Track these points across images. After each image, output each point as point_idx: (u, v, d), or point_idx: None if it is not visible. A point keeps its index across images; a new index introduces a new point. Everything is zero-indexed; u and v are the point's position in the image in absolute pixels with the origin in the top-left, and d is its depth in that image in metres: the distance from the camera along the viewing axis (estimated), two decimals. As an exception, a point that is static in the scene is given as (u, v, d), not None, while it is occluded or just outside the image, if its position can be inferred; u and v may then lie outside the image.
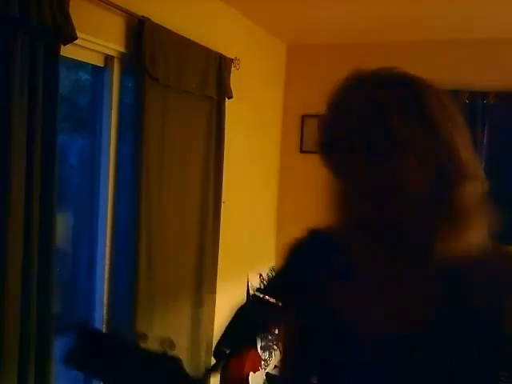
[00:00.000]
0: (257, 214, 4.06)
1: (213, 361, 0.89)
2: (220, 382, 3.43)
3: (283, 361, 1.10)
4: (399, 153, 0.82)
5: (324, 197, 0.94)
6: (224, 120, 3.24)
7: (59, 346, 2.14)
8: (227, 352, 0.87)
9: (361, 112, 0.84)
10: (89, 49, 2.41)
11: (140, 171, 2.58)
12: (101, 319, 2.63)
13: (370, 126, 0.82)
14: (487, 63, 3.65)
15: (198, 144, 3.07)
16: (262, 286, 0.91)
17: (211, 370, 0.85)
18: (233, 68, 3.32)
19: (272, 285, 0.93)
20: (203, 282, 3.19)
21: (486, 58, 3.65)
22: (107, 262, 2.65)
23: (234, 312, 0.89)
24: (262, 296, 0.88)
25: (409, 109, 0.83)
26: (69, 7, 2.01)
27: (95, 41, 2.39)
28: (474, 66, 3.66)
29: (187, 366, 0.83)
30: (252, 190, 3.95)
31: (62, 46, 2.06)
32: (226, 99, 3.25)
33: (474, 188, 0.86)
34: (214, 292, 3.30)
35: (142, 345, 0.86)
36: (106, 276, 2.65)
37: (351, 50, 4.03)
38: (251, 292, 3.86)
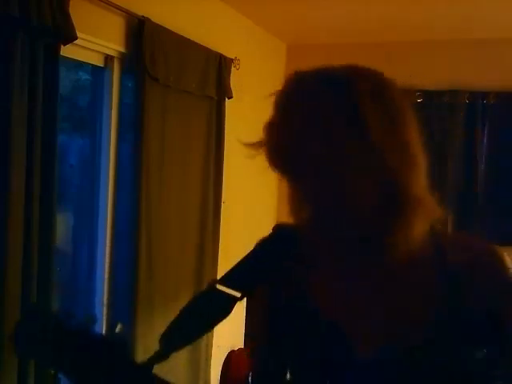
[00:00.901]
0: (257, 214, 4.06)
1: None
2: (220, 381, 3.43)
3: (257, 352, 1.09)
4: (336, 162, 0.83)
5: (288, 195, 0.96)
6: (224, 120, 3.24)
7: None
8: (175, 341, 0.86)
9: (296, 119, 0.86)
10: (89, 49, 2.41)
11: (140, 171, 2.58)
12: (101, 319, 2.63)
13: (304, 136, 0.84)
14: (487, 63, 3.65)
15: (197, 144, 3.07)
16: (222, 275, 0.90)
17: (156, 359, 0.84)
18: (233, 68, 3.32)
19: (232, 275, 0.92)
20: (203, 281, 3.19)
21: (486, 58, 3.65)
22: (107, 261, 2.65)
23: (188, 301, 0.89)
24: (219, 287, 0.87)
25: (341, 113, 0.83)
26: (69, 7, 2.01)
27: (95, 41, 2.39)
28: (474, 66, 3.66)
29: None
30: (252, 189, 3.94)
31: (62, 46, 2.05)
32: (226, 99, 3.25)
33: (418, 179, 0.86)
34: (214, 292, 3.30)
35: (91, 329, 0.86)
36: (106, 276, 2.65)
37: (351, 50, 4.01)
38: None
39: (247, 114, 3.72)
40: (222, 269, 3.36)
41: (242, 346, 3.74)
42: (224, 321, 0.88)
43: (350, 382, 0.89)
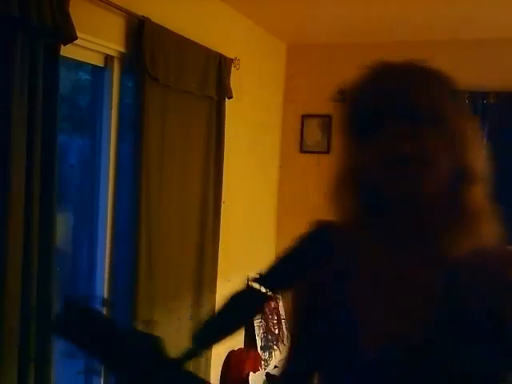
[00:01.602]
0: (257, 214, 4.06)
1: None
2: (220, 381, 3.43)
3: (288, 351, 1.10)
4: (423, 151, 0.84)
5: (334, 185, 0.95)
6: (224, 120, 3.24)
7: (59, 346, 2.14)
8: (208, 339, 0.86)
9: (406, 84, 0.85)
10: (89, 49, 2.41)
11: (140, 171, 2.58)
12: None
13: (419, 95, 0.84)
14: (487, 63, 3.65)
15: (198, 144, 3.07)
16: (259, 276, 0.89)
17: (189, 356, 0.85)
18: (233, 68, 3.32)
19: (271, 273, 0.91)
20: (203, 282, 3.19)
21: (486, 58, 3.65)
22: (107, 261, 2.65)
23: (224, 300, 0.88)
24: (254, 285, 0.87)
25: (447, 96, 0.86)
26: (69, 7, 2.01)
27: (95, 41, 2.39)
28: (474, 66, 3.66)
29: (187, 364, 0.83)
30: (252, 190, 3.95)
31: (62, 46, 2.06)
32: (226, 99, 3.25)
33: (483, 190, 0.88)
34: (214, 292, 3.30)
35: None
36: (106, 276, 2.65)
37: (351, 49, 4.03)
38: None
39: (247, 114, 3.72)
40: (222, 269, 3.36)
41: (242, 346, 3.74)
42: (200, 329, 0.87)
43: (350, 382, 0.89)
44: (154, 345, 0.82)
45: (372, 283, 0.90)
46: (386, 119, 0.84)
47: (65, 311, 0.91)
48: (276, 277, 0.89)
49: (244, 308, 0.87)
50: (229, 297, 0.88)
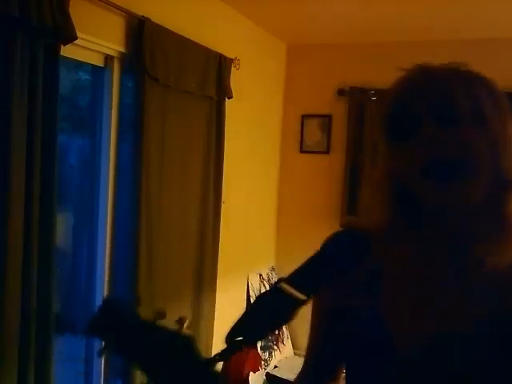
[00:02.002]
0: (257, 214, 4.06)
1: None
2: (220, 381, 3.43)
3: (307, 354, 1.07)
4: (464, 155, 0.80)
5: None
6: (224, 120, 3.24)
7: (59, 346, 2.14)
8: (240, 340, 0.86)
9: (447, 85, 0.83)
10: (89, 49, 2.41)
11: (140, 171, 2.58)
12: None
13: (458, 98, 0.81)
14: (487, 63, 3.64)
15: (198, 144, 3.07)
16: (288, 275, 0.87)
17: (221, 357, 0.85)
18: (233, 68, 3.32)
19: (300, 274, 0.89)
20: (203, 281, 3.19)
21: (486, 58, 3.65)
22: (107, 261, 2.65)
23: (254, 301, 0.88)
24: (286, 287, 0.85)
25: (493, 99, 0.84)
26: (69, 7, 2.01)
27: (95, 41, 2.39)
28: (473, 66, 3.66)
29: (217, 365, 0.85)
30: (252, 190, 3.95)
31: (62, 46, 2.06)
32: (226, 99, 3.25)
33: None
34: (214, 292, 3.30)
35: (158, 322, 0.89)
36: (106, 276, 2.65)
37: (351, 50, 4.03)
38: (251, 292, 3.86)
39: (247, 113, 3.72)
40: (222, 269, 3.36)
41: (241, 346, 3.74)
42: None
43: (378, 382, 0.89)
44: (187, 344, 0.85)
45: (403, 294, 0.88)
46: (424, 121, 0.81)
47: (102, 312, 0.92)
48: (304, 280, 0.87)
49: (276, 312, 0.85)
50: (261, 298, 0.87)
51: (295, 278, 0.86)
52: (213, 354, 0.84)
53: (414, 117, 0.82)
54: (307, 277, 0.87)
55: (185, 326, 0.87)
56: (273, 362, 3.90)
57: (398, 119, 0.84)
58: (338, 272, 0.90)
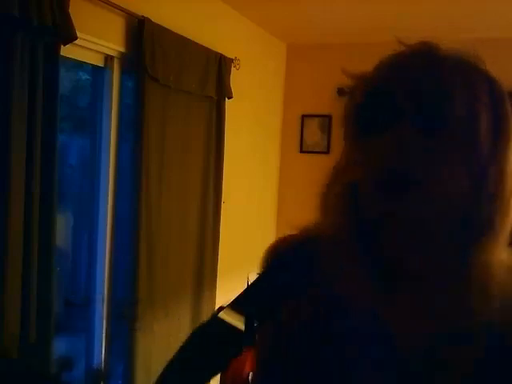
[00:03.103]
0: (257, 214, 4.06)
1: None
2: (220, 381, 3.43)
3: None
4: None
5: (324, 193, 0.76)
6: (224, 120, 3.24)
7: (59, 346, 2.14)
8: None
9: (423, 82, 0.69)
10: (89, 49, 2.41)
11: (140, 171, 2.58)
12: (101, 319, 2.63)
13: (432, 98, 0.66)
14: (487, 63, 3.65)
15: (198, 144, 3.07)
16: (225, 305, 0.73)
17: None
18: (233, 68, 3.32)
19: (240, 301, 0.76)
20: (203, 281, 3.19)
21: (486, 58, 3.65)
22: (107, 262, 2.65)
23: (187, 338, 0.73)
24: (223, 317, 0.72)
25: (482, 97, 0.70)
26: (69, 7, 2.01)
27: (95, 41, 2.39)
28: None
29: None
30: (252, 190, 3.95)
31: (62, 46, 2.06)
32: (226, 99, 3.25)
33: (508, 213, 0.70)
34: (214, 292, 3.30)
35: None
36: (106, 276, 2.65)
37: (351, 50, 4.03)
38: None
39: (247, 114, 3.72)
40: (222, 269, 3.36)
41: (242, 346, 3.74)
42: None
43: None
44: None
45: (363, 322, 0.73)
46: (403, 117, 0.67)
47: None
48: (246, 307, 0.74)
49: (217, 353, 0.69)
50: (197, 332, 0.71)
51: (235, 306, 0.74)
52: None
53: (395, 108, 0.67)
54: (250, 303, 0.75)
55: (62, 367, 0.81)
56: (273, 362, 3.89)
57: (373, 108, 0.69)
58: (285, 296, 0.76)
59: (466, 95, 0.68)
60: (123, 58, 2.59)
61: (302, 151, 4.28)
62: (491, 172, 0.68)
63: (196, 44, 2.96)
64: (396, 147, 0.66)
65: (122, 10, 2.43)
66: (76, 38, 2.06)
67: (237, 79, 3.35)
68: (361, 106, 0.71)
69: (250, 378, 3.51)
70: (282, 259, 0.81)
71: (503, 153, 0.69)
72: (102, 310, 2.63)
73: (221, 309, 0.74)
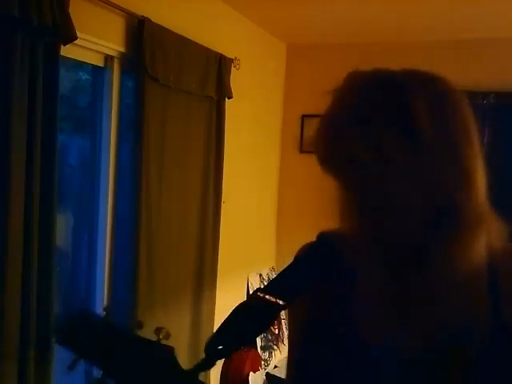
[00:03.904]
0: (257, 214, 4.06)
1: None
2: (220, 381, 3.43)
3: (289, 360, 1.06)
4: (381, 167, 0.79)
5: (332, 201, 0.91)
6: (224, 120, 3.24)
7: (59, 347, 2.13)
8: (220, 349, 0.85)
9: (345, 122, 0.81)
10: (89, 49, 2.41)
11: (140, 171, 2.58)
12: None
13: (354, 138, 0.79)
14: (487, 63, 3.65)
15: (198, 144, 3.07)
16: (263, 286, 0.90)
17: (202, 367, 0.84)
18: (233, 68, 3.32)
19: (274, 284, 0.91)
20: (203, 282, 3.19)
21: (486, 58, 3.65)
22: (107, 262, 2.65)
23: (231, 310, 0.88)
24: (262, 295, 0.86)
25: (394, 119, 0.78)
26: (69, 7, 2.01)
27: (95, 41, 2.39)
28: (474, 65, 3.66)
29: (187, 364, 0.83)
30: (252, 190, 3.95)
31: (62, 46, 2.06)
32: (226, 99, 3.25)
33: (475, 194, 0.82)
34: (214, 292, 3.30)
35: (138, 332, 0.87)
36: (106, 276, 2.65)
37: (351, 49, 4.03)
38: (251, 292, 3.86)
39: (247, 113, 3.72)
40: (222, 269, 3.36)
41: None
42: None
43: None
44: (167, 356, 0.82)
45: (378, 307, 0.87)
46: (420, 126, 0.78)
47: (74, 322, 0.91)
48: (279, 289, 0.88)
49: (257, 319, 0.86)
50: (238, 307, 0.87)
51: (270, 287, 0.88)
52: (193, 365, 0.83)
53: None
54: (282, 286, 0.89)
55: (161, 336, 0.85)
56: (273, 362, 3.90)
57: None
58: (312, 282, 0.90)
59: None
60: (123, 57, 2.59)
61: (302, 151, 4.28)
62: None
63: (196, 44, 2.96)
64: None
65: (121, 9, 2.43)
66: (76, 38, 2.06)
67: (237, 79, 3.35)
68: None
69: (249, 378, 3.51)
70: (313, 251, 0.97)
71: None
72: (102, 310, 2.63)
73: (258, 290, 0.88)
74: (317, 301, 0.91)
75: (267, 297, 0.85)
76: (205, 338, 3.21)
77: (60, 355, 2.15)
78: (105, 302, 2.64)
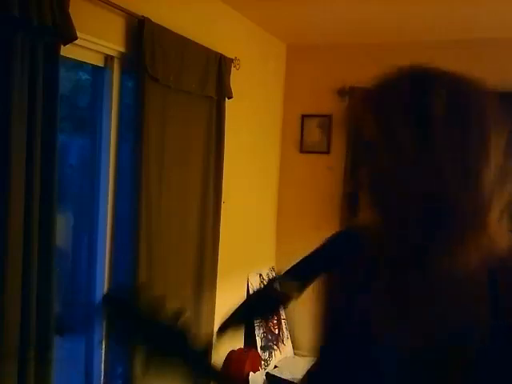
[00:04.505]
0: (257, 214, 4.06)
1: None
2: (219, 375, 3.43)
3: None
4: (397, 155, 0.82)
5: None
6: (224, 120, 3.24)
7: (59, 347, 2.14)
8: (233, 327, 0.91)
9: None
10: (89, 49, 2.41)
11: (140, 171, 2.58)
12: (101, 318, 2.63)
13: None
14: (487, 63, 3.65)
15: (198, 144, 3.07)
16: (263, 286, 0.93)
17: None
18: (233, 68, 3.32)
19: (296, 266, 0.98)
20: (203, 281, 3.19)
21: (486, 58, 3.65)
22: (107, 261, 2.65)
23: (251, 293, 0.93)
24: (283, 277, 0.92)
25: (412, 115, 0.82)
26: (69, 7, 2.02)
27: (95, 41, 2.39)
28: (474, 66, 3.65)
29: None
30: (252, 190, 3.95)
31: (62, 46, 2.06)
32: (226, 99, 3.25)
33: (480, 198, 0.82)
34: (214, 292, 3.30)
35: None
36: (106, 276, 2.65)
37: (351, 50, 4.03)
38: (251, 292, 3.86)
39: (247, 113, 3.72)
40: (222, 269, 3.36)
41: (242, 345, 3.74)
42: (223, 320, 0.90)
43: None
44: (183, 337, 0.93)
45: (395, 295, 0.88)
46: (435, 122, 0.81)
47: (113, 297, 0.99)
48: (300, 270, 0.95)
49: (274, 297, 0.96)
50: (259, 288, 0.93)
51: (292, 269, 0.95)
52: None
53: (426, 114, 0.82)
54: (303, 268, 0.95)
55: (181, 318, 0.92)
56: (273, 362, 3.90)
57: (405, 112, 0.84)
58: (334, 266, 0.95)
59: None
60: (123, 57, 2.59)
61: (302, 151, 4.28)
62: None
63: (196, 44, 2.96)
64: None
65: (121, 9, 2.43)
66: (76, 38, 2.06)
67: (237, 79, 3.35)
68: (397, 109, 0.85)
69: (249, 378, 3.51)
70: (335, 240, 1.05)
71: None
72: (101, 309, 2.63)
73: (273, 280, 0.92)
74: (331, 287, 0.96)
75: (287, 278, 0.92)
76: (205, 337, 3.20)
77: (60, 355, 2.15)
78: (105, 302, 2.64)
